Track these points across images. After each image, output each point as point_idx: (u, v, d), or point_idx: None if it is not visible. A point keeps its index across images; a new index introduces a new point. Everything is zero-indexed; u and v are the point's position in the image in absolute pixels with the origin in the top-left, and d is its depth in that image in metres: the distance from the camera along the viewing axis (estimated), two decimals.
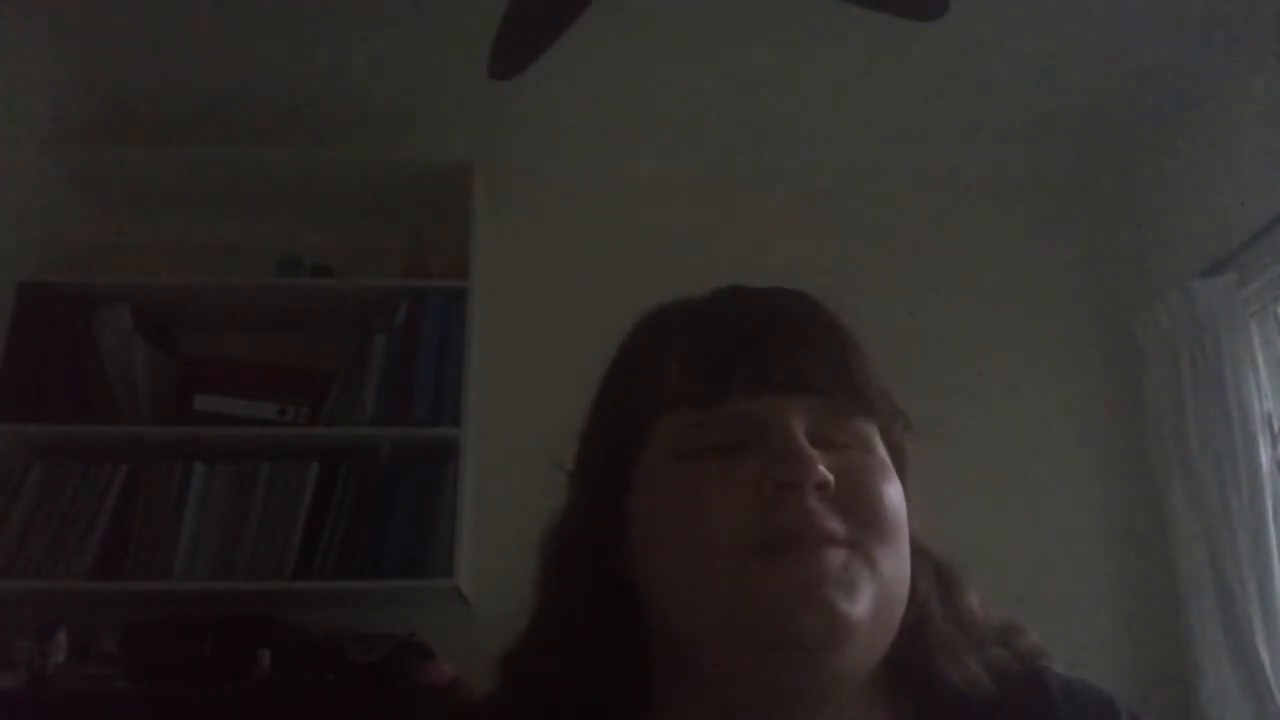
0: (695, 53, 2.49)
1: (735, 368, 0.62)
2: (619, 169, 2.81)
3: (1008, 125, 2.73)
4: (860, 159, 2.80)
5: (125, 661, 2.11)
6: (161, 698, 2.07)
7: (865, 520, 0.59)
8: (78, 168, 2.57)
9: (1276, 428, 2.32)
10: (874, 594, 0.57)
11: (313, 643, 2.23)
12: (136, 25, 2.35)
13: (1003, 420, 2.60)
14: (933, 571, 0.66)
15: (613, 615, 0.64)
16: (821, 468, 0.58)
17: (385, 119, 2.65)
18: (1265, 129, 2.36)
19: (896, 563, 0.60)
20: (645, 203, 2.78)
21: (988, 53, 2.47)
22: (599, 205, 2.79)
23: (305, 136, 2.66)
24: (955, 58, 2.47)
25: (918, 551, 0.63)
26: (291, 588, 2.21)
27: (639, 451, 0.64)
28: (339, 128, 2.66)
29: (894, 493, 0.61)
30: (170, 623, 2.20)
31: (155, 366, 2.42)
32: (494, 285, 2.61)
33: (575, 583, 0.66)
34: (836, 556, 0.57)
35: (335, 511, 2.27)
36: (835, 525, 0.58)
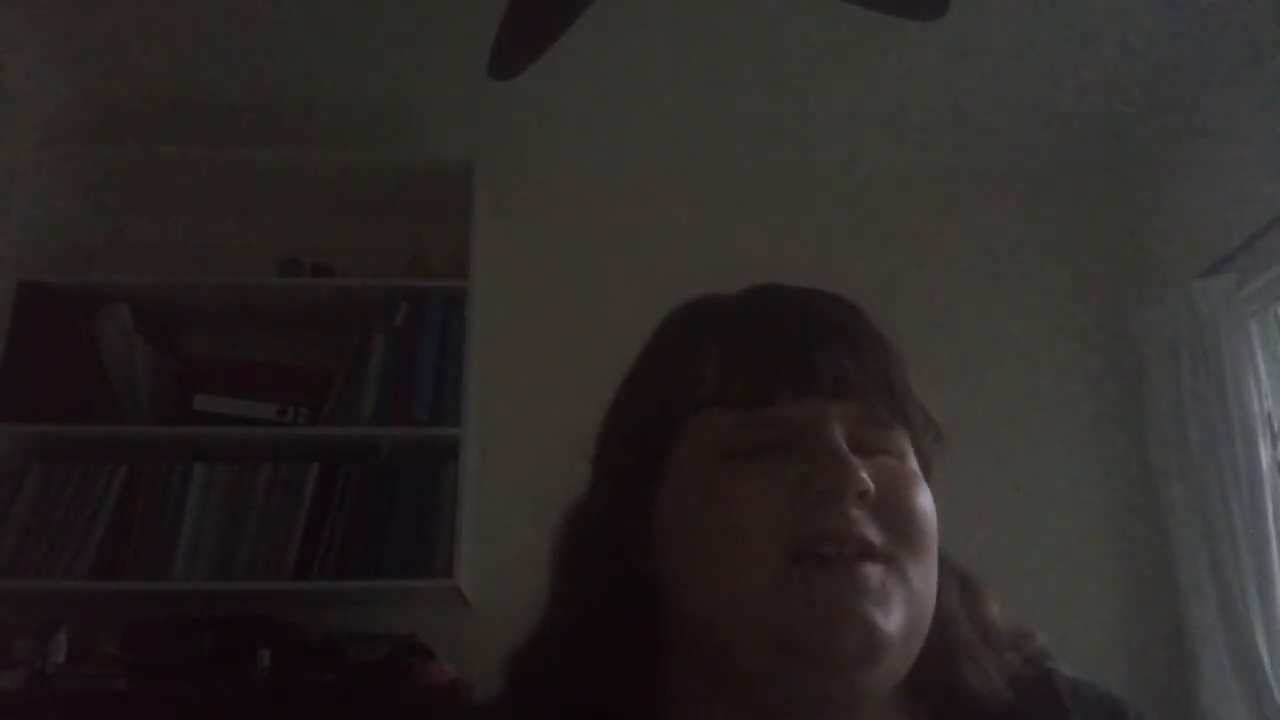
0: (695, 53, 2.48)
1: (779, 370, 0.62)
2: (619, 169, 2.81)
3: (1007, 125, 2.73)
4: (859, 158, 2.80)
5: (125, 661, 2.11)
6: (161, 698, 2.07)
7: (900, 531, 0.59)
8: (78, 168, 2.57)
9: (1276, 428, 2.32)
10: (907, 608, 0.58)
11: (313, 643, 2.23)
12: (136, 26, 2.35)
13: (1002, 420, 2.60)
14: (957, 582, 0.66)
15: (630, 611, 0.63)
16: (864, 475, 0.58)
17: (385, 119, 2.65)
18: (1265, 129, 2.36)
19: (927, 575, 0.60)
20: (645, 202, 2.78)
21: (987, 53, 2.47)
22: (599, 205, 2.79)
23: (305, 136, 2.66)
24: (954, 58, 2.47)
25: (941, 561, 0.63)
26: (291, 588, 2.21)
27: (671, 447, 0.64)
28: (339, 128, 2.66)
29: (927, 504, 0.62)
30: (170, 623, 2.20)
31: (155, 366, 2.42)
32: (494, 285, 2.61)
33: (593, 576, 0.66)
34: (874, 571, 0.57)
35: (335, 511, 2.27)
36: (873, 535, 0.58)
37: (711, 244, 2.59)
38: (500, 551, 2.15)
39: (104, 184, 2.60)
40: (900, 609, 0.57)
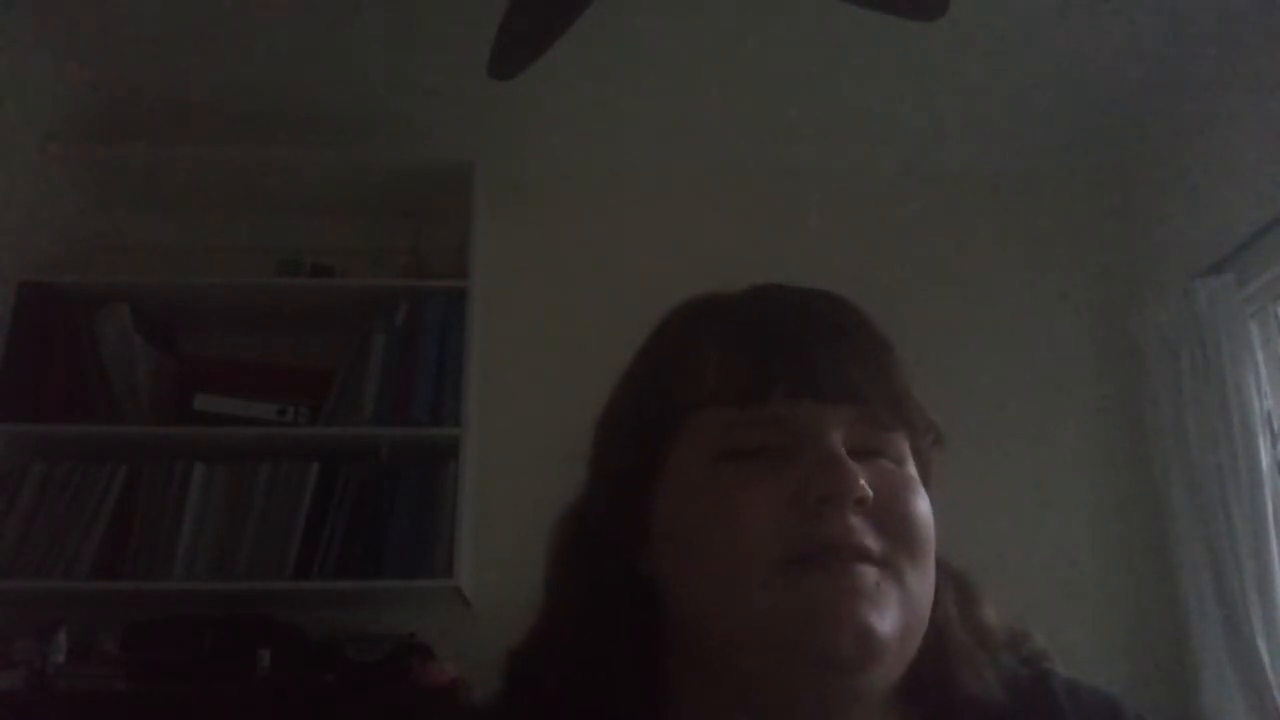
0: (695, 53, 2.49)
1: (779, 370, 0.61)
2: (619, 169, 2.81)
3: (1008, 125, 2.73)
4: (860, 159, 2.80)
5: (125, 661, 2.11)
6: (161, 698, 2.07)
7: (899, 537, 0.59)
8: (78, 167, 2.57)
9: (1276, 428, 2.32)
10: (903, 612, 0.58)
11: (313, 643, 2.23)
12: (137, 25, 2.35)
13: (1002, 420, 2.60)
14: (952, 584, 0.66)
15: (629, 611, 0.63)
16: (863, 482, 0.58)
17: (385, 119, 2.65)
18: (1265, 129, 2.36)
19: (924, 579, 0.60)
20: (645, 202, 2.78)
21: (988, 53, 2.47)
22: (599, 205, 2.79)
23: (305, 136, 2.65)
24: (955, 58, 2.47)
25: (937, 563, 0.63)
26: (291, 588, 2.21)
27: (669, 446, 0.63)
28: (339, 128, 2.66)
29: (926, 509, 0.61)
30: (170, 623, 2.20)
31: (155, 366, 2.42)
32: (494, 285, 2.61)
33: (591, 576, 0.65)
34: (870, 574, 0.57)
35: (335, 511, 2.27)
36: (871, 541, 0.58)
37: (711, 244, 2.59)
38: (500, 551, 2.15)
39: (104, 184, 2.61)
40: (896, 611, 0.57)
